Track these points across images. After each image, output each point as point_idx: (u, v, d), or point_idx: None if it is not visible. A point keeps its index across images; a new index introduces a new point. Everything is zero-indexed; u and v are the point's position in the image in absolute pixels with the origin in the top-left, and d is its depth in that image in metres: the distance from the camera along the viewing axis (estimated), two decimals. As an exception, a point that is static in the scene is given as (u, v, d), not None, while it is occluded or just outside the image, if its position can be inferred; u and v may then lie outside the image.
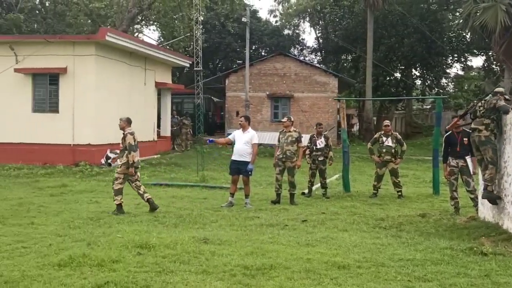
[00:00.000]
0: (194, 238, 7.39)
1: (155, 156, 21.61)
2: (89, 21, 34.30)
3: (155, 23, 36.96)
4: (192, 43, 26.62)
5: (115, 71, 19.46)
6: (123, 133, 10.17)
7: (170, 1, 29.92)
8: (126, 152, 10.05)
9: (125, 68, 20.22)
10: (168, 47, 31.00)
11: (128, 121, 10.32)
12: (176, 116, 27.04)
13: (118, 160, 10.01)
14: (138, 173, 10.35)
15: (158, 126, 24.87)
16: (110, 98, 18.90)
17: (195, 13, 21.51)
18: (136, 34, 35.81)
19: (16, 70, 18.05)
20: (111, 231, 8.01)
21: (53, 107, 18.34)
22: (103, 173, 16.45)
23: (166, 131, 25.46)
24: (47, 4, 36.09)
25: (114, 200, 10.00)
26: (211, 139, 11.84)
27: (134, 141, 10.09)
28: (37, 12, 35.43)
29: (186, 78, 38.58)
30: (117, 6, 28.62)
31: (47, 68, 18.05)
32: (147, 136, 22.39)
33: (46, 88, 18.45)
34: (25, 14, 32.17)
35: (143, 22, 36.13)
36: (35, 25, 33.71)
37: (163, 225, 8.70)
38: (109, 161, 17.97)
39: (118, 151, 18.36)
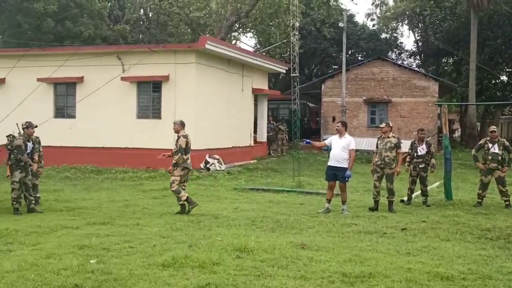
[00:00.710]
0: (291, 243, 7.42)
1: (252, 161, 21.93)
2: (189, 30, 35.58)
3: (252, 30, 37.61)
4: (288, 49, 26.81)
5: (214, 78, 20.00)
6: (177, 136, 10.58)
7: (267, 8, 30.34)
8: (179, 154, 10.37)
9: (224, 75, 20.72)
10: (264, 53, 31.43)
11: (182, 124, 10.78)
12: (272, 122, 27.32)
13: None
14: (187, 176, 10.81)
15: (255, 131, 25.24)
16: (209, 104, 19.45)
17: (291, 19, 21.64)
18: (234, 41, 36.64)
19: (122, 79, 19.03)
20: (211, 233, 8.23)
21: (156, 113, 19.14)
22: (202, 177, 16.93)
23: (263, 136, 25.80)
24: (150, 15, 37.89)
25: (179, 201, 10.39)
26: (307, 140, 11.79)
27: (186, 144, 10.48)
28: (141, 22, 37.31)
29: (281, 83, 38.88)
30: (216, 14, 29.49)
31: (150, 76, 18.88)
32: (244, 141, 22.81)
33: (150, 95, 19.31)
34: (131, 25, 34.00)
35: (240, 29, 36.88)
36: (140, 35, 35.48)
37: (260, 230, 8.80)
38: (207, 165, 18.48)
39: (216, 156, 18.97)
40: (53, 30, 28.45)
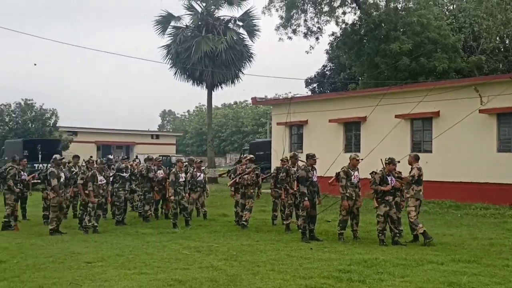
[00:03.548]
0: None
1: None
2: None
3: None
4: None
5: None
6: (411, 168, 11.29)
7: None
8: (413, 185, 11.14)
9: None
10: None
11: (415, 158, 11.53)
12: None
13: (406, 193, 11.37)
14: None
15: None
16: None
17: None
18: None
19: (481, 111, 18.31)
20: None
21: (520, 146, 17.82)
22: None
23: None
24: (506, 42, 35.70)
25: (415, 231, 11.04)
26: None
27: (419, 176, 11.21)
28: (497, 51, 35.40)
29: None
30: None
31: (512, 107, 17.74)
32: None
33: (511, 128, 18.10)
34: (487, 55, 32.67)
35: None
36: (500, 65, 33.78)
37: None
38: None
39: None
40: (408, 67, 29.40)
